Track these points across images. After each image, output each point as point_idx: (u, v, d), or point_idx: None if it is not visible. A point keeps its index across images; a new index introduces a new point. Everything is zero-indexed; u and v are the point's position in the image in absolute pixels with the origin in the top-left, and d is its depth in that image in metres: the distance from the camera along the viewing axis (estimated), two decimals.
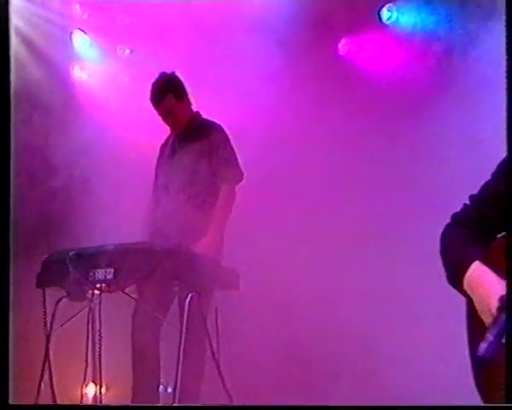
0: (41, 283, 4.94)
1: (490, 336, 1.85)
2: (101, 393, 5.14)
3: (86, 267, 4.78)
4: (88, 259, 4.81)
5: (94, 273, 4.77)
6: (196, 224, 5.19)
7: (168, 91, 5.40)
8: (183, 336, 4.71)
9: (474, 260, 2.37)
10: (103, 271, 4.76)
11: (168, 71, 5.48)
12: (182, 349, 4.69)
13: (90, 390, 5.25)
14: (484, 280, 2.30)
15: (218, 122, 5.49)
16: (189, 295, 4.76)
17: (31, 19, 6.19)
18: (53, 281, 4.90)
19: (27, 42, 6.21)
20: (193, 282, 4.78)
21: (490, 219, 2.45)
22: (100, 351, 4.83)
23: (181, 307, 4.91)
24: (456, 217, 2.60)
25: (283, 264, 5.57)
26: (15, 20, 6.16)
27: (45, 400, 4.86)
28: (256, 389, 5.26)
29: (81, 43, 6.66)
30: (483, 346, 1.85)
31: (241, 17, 5.97)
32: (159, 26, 6.28)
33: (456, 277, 2.42)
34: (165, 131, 5.65)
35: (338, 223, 5.61)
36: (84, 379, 5.06)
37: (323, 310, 5.52)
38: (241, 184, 5.44)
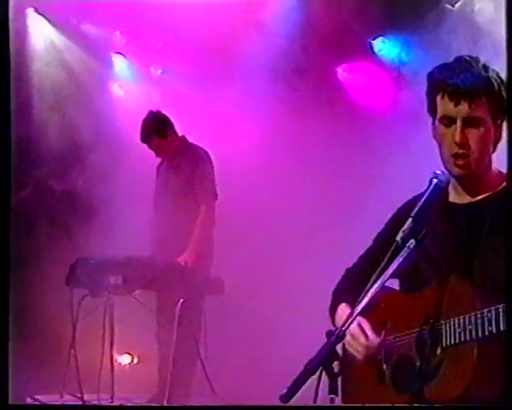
0: (69, 282, 6.26)
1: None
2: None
3: (102, 273, 6.09)
4: (103, 266, 6.14)
5: (108, 279, 6.07)
6: (180, 238, 6.17)
7: (153, 133, 6.39)
8: (175, 336, 5.96)
9: (342, 303, 3.08)
10: (114, 277, 6.06)
11: (154, 109, 6.46)
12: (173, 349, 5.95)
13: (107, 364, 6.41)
14: (339, 316, 3.04)
15: (203, 147, 6.45)
16: (180, 300, 5.97)
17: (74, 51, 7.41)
18: (78, 282, 6.19)
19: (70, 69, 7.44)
20: (183, 289, 5.99)
21: (367, 274, 3.02)
22: (112, 339, 6.16)
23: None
24: (346, 270, 3.32)
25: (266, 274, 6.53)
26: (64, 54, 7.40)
27: (72, 371, 6.18)
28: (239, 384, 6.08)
29: (120, 64, 7.73)
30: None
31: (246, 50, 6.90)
32: (185, 50, 7.24)
33: (332, 315, 3.18)
34: None
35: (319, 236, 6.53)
36: (101, 360, 6.34)
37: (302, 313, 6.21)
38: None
